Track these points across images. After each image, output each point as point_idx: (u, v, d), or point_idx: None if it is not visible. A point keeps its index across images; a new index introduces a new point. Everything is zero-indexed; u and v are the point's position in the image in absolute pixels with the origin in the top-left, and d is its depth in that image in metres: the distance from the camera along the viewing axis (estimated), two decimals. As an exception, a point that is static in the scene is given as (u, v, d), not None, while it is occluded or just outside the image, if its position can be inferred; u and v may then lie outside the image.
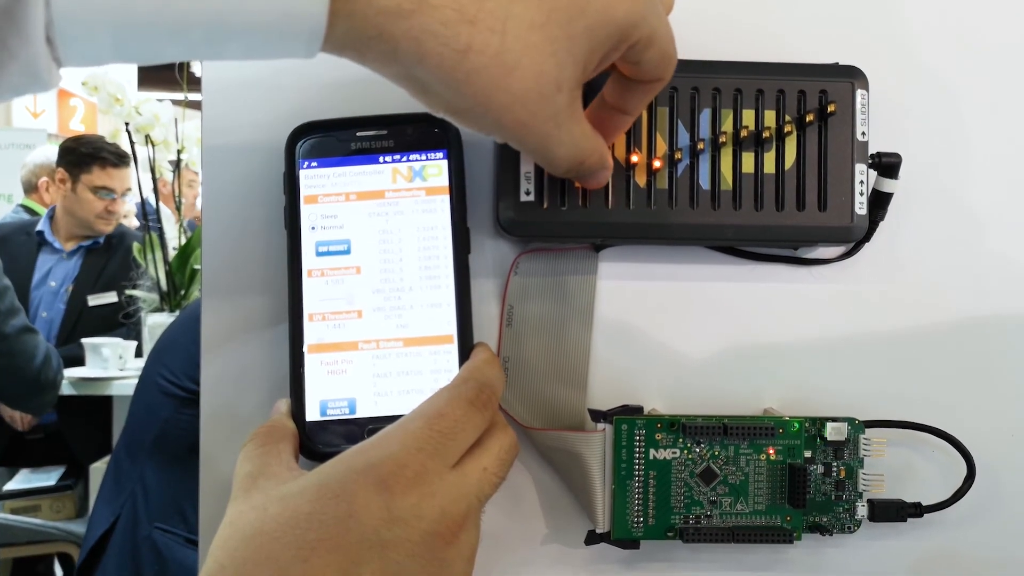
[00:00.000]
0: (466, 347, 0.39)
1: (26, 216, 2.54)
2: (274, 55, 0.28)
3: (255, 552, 0.30)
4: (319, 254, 0.39)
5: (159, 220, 2.13)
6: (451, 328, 0.39)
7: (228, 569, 0.29)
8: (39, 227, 2.31)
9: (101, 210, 2.24)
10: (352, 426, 0.38)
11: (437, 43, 0.28)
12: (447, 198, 0.39)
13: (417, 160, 0.40)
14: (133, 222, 2.57)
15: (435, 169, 0.40)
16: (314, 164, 0.40)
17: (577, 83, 0.31)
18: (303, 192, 0.39)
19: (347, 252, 0.39)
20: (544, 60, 0.29)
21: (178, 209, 2.25)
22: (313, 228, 0.39)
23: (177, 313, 2.04)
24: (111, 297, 2.22)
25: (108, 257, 2.28)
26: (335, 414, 0.38)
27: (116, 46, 0.26)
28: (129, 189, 2.26)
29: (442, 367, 0.39)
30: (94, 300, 2.22)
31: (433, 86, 0.29)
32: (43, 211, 2.64)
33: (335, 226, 0.39)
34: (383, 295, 0.39)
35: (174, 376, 1.21)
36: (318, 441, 0.38)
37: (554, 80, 0.30)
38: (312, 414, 0.38)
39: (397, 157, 0.40)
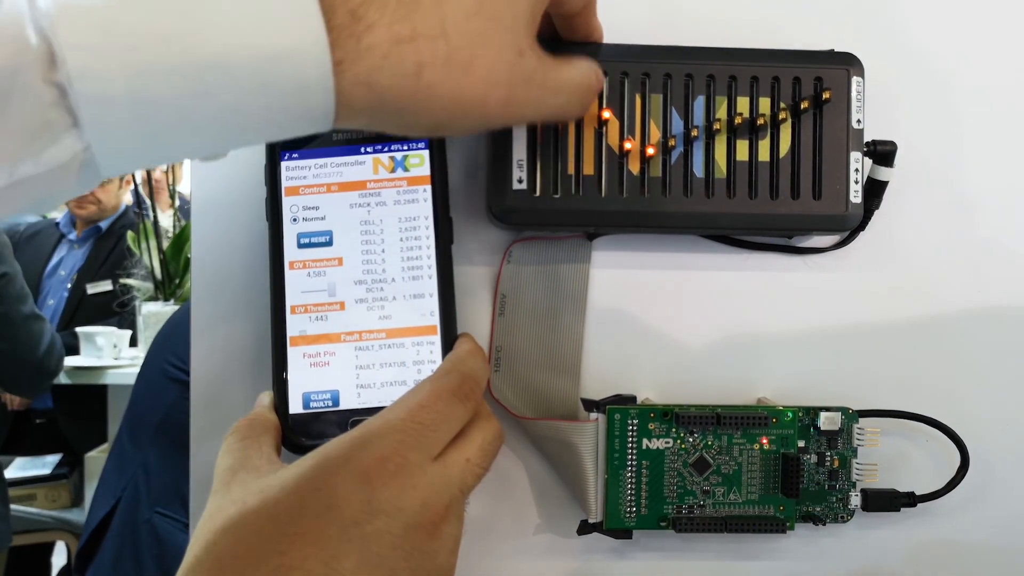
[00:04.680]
0: (450, 338, 0.38)
1: None
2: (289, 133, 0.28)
3: (234, 546, 0.29)
4: (300, 246, 0.39)
5: (153, 210, 2.12)
6: (434, 319, 0.38)
7: (205, 563, 0.29)
8: (58, 219, 2.36)
9: None
10: (335, 418, 0.38)
11: (386, 77, 0.27)
12: (429, 188, 0.39)
13: (399, 150, 0.39)
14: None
15: (417, 159, 0.39)
16: (295, 155, 0.39)
17: (532, 38, 0.32)
18: (284, 183, 0.39)
19: (329, 244, 0.39)
20: (493, 41, 0.30)
21: (171, 196, 2.23)
22: (295, 220, 0.39)
23: (172, 302, 2.04)
24: (107, 285, 2.22)
25: (113, 245, 2.29)
26: (318, 407, 0.38)
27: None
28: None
29: (425, 358, 0.38)
30: (92, 288, 2.23)
31: (405, 117, 0.29)
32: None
33: (316, 217, 0.39)
34: (365, 286, 0.38)
35: (180, 361, 1.20)
36: (301, 434, 0.38)
37: (512, 51, 0.30)
38: (295, 407, 0.38)
39: (379, 147, 0.39)
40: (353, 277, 0.38)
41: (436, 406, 0.33)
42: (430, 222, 0.39)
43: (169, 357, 1.22)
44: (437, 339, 0.38)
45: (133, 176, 2.15)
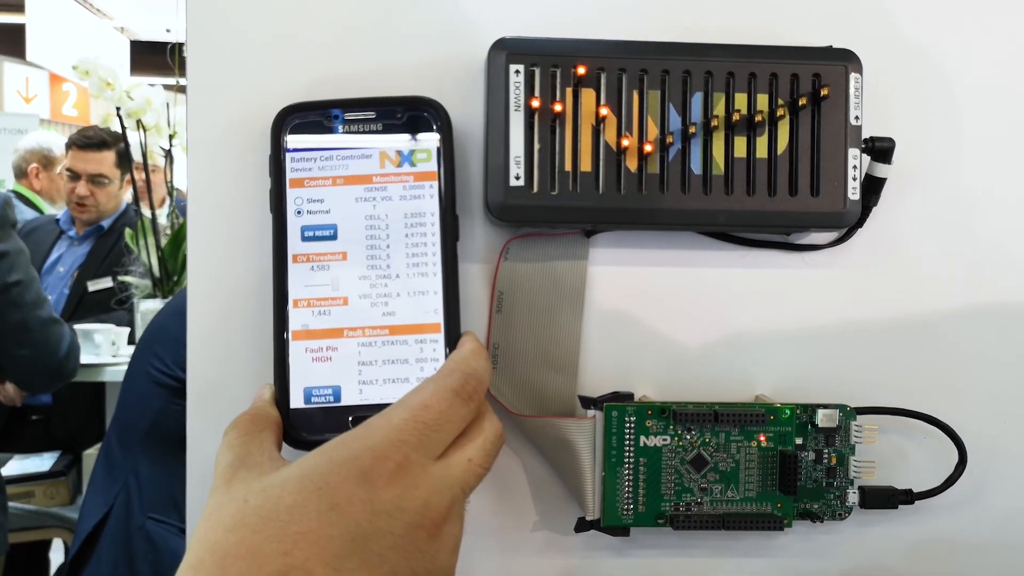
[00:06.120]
0: (453, 336, 0.38)
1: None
2: None
3: (236, 545, 0.29)
4: (304, 239, 0.38)
5: (152, 209, 2.12)
6: (438, 317, 0.38)
7: (207, 562, 0.29)
8: (58, 215, 2.35)
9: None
10: (336, 414, 0.38)
11: None
12: (436, 184, 0.39)
13: (406, 145, 0.39)
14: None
15: (424, 154, 0.39)
16: (300, 147, 0.39)
17: None
18: (289, 175, 0.39)
19: (333, 237, 0.38)
20: None
21: (170, 195, 2.23)
22: (299, 212, 0.39)
23: (170, 300, 2.04)
24: (107, 282, 2.22)
25: (114, 243, 2.29)
26: (319, 402, 0.38)
27: None
28: (102, 175, 2.26)
29: (428, 356, 0.38)
30: (93, 285, 2.22)
31: None
32: (34, 197, 2.64)
33: (321, 210, 0.39)
34: (369, 282, 0.38)
35: (165, 366, 1.20)
36: (302, 429, 0.37)
37: None
38: (296, 401, 0.38)
39: (386, 141, 0.39)
40: (357, 272, 0.38)
41: (439, 406, 0.33)
42: (436, 218, 0.39)
43: (153, 361, 1.22)
44: (440, 337, 0.38)
45: (132, 176, 2.15)
